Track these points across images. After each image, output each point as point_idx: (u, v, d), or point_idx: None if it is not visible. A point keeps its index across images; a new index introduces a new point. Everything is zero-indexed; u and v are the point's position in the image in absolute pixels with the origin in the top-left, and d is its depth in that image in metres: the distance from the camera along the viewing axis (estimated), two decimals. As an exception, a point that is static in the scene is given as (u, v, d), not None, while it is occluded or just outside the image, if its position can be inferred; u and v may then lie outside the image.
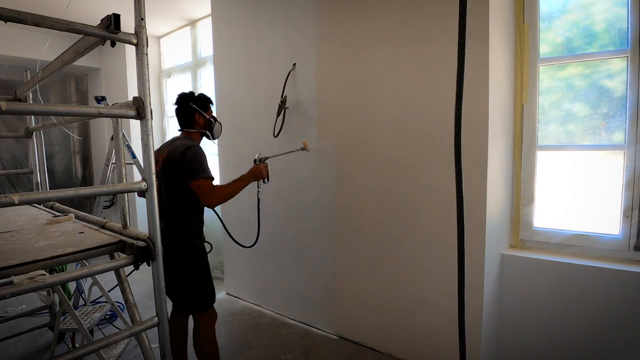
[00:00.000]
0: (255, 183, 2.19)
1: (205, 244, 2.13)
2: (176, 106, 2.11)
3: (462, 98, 1.10)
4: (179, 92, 2.14)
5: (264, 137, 2.96)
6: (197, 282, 2.03)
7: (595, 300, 1.94)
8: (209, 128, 2.12)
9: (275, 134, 2.80)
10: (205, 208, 2.08)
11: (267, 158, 2.23)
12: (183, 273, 1.99)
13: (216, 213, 2.46)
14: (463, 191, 1.15)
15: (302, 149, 2.41)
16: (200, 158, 1.94)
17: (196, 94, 2.13)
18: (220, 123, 2.17)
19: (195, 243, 2.03)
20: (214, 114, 2.20)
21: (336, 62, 2.52)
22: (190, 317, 2.12)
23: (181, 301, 2.07)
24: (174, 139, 2.07)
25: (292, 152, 2.44)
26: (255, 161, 2.21)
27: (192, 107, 2.07)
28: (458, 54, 1.06)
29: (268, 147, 2.87)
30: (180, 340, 2.15)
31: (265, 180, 2.20)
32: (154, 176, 1.38)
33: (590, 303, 1.95)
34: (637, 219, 1.91)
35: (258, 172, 2.15)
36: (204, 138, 2.15)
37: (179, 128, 2.13)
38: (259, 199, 2.34)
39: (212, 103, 2.17)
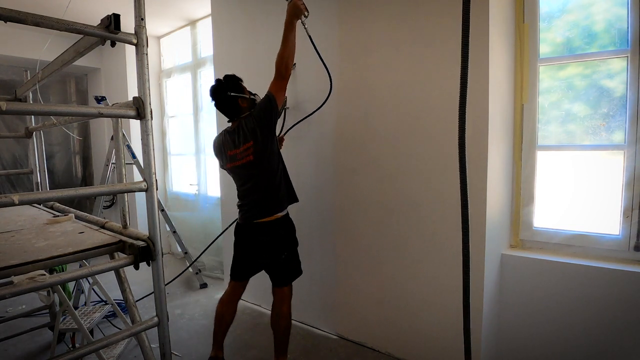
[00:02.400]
0: (299, 26, 2.06)
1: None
2: (215, 101, 2.09)
3: (466, 98, 1.10)
4: (211, 87, 2.10)
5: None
6: (295, 251, 2.17)
7: (595, 300, 1.94)
8: (254, 104, 2.10)
9: (278, 135, 2.79)
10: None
11: None
12: (285, 242, 2.09)
13: None
14: (467, 192, 1.15)
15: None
16: (256, 106, 2.02)
17: (224, 81, 2.08)
18: (257, 94, 2.16)
19: (288, 213, 2.14)
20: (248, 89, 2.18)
21: (336, 62, 2.52)
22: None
23: (282, 272, 2.13)
24: (234, 130, 2.07)
25: None
26: None
27: (232, 96, 2.04)
28: (462, 54, 1.06)
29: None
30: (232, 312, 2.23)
31: (306, 13, 2.05)
32: (154, 176, 1.38)
33: (590, 303, 1.95)
34: (637, 219, 1.91)
35: (295, 9, 1.99)
36: None
37: (229, 120, 2.13)
38: (310, 37, 2.16)
39: (242, 80, 2.14)
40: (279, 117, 2.04)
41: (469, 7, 1.02)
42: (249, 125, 2.00)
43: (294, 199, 2.21)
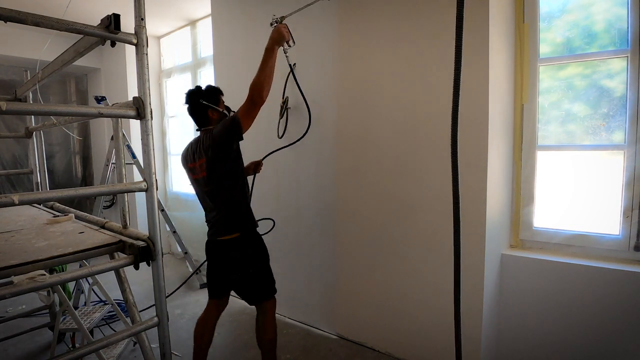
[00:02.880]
0: (281, 53, 1.97)
1: (270, 219, 2.12)
2: (187, 105, 2.05)
3: (459, 104, 1.10)
4: (188, 91, 2.06)
5: (267, 138, 2.95)
6: (266, 267, 2.05)
7: (595, 300, 1.94)
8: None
9: (280, 135, 2.80)
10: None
11: (284, 17, 1.93)
12: (251, 259, 2.00)
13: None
14: (459, 189, 1.15)
15: None
16: (220, 123, 1.94)
17: (204, 88, 2.05)
18: (234, 112, 2.06)
19: (253, 222, 2.05)
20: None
21: (336, 62, 2.52)
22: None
23: (253, 290, 2.03)
24: (196, 141, 2.04)
25: (312, 3, 2.05)
26: (272, 24, 1.94)
27: (203, 104, 2.00)
28: (455, 56, 1.07)
29: (272, 147, 2.87)
30: (210, 332, 2.11)
31: (290, 42, 1.96)
32: (154, 176, 1.38)
33: (590, 303, 1.95)
34: (637, 219, 1.91)
35: (279, 35, 1.92)
36: None
37: (196, 128, 2.10)
38: (290, 64, 2.06)
39: (222, 93, 2.09)
40: (240, 140, 1.92)
41: (463, 8, 1.02)
42: (206, 142, 1.94)
43: (252, 222, 2.07)
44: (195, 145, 2.03)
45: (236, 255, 1.98)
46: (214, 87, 2.09)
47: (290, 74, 2.73)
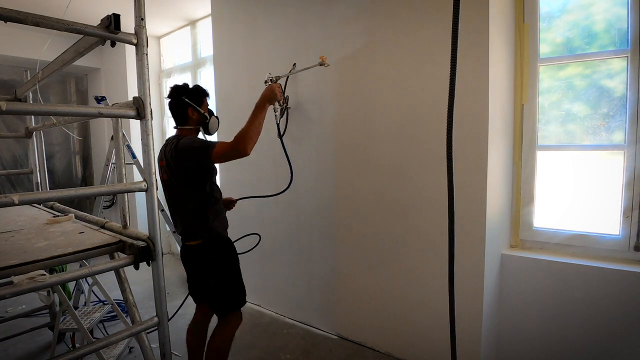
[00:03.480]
0: (271, 111, 1.94)
1: (255, 235, 2.01)
2: (169, 100, 1.97)
3: (454, 106, 1.10)
4: (172, 85, 2.00)
5: (267, 138, 2.95)
6: (231, 277, 1.93)
7: (595, 300, 1.94)
8: (203, 124, 1.97)
9: (280, 135, 2.80)
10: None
11: (279, 77, 1.93)
12: (213, 268, 1.89)
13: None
14: (454, 190, 1.15)
15: (321, 64, 2.07)
16: (195, 140, 1.82)
17: (191, 86, 1.99)
18: (217, 117, 2.02)
19: (219, 230, 1.91)
20: (211, 107, 2.05)
21: (336, 62, 2.52)
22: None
23: (215, 300, 1.94)
24: (168, 140, 1.95)
25: (309, 67, 2.07)
26: (266, 82, 1.93)
27: (184, 102, 1.91)
28: (451, 56, 1.07)
29: (272, 148, 2.87)
30: (202, 341, 2.06)
31: (281, 102, 1.94)
32: (154, 176, 1.38)
33: (590, 303, 1.95)
34: (637, 219, 1.91)
35: (271, 94, 1.91)
36: (201, 134, 2.04)
37: (174, 125, 2.01)
38: (278, 125, 2.02)
39: (207, 95, 2.01)
40: (207, 167, 1.86)
41: (459, 9, 1.02)
42: (171, 150, 1.84)
43: (217, 229, 1.94)
44: (165, 146, 1.94)
45: (199, 262, 1.92)
46: (200, 87, 2.01)
47: (289, 76, 2.73)
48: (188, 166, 1.83)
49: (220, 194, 2.02)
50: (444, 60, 2.07)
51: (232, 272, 1.96)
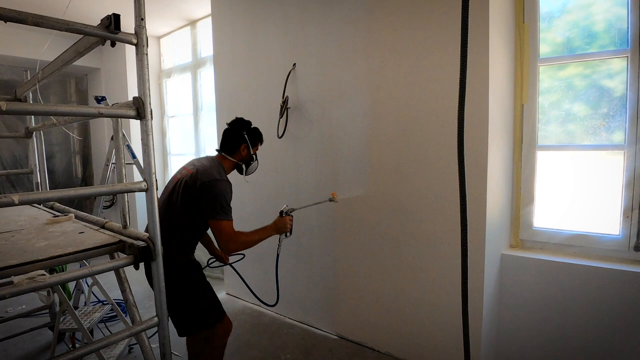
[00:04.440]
0: (276, 236, 2.05)
1: (239, 254, 2.01)
2: (227, 127, 2.04)
3: (465, 100, 1.10)
4: (237, 117, 2.09)
5: (267, 138, 2.94)
6: (185, 306, 1.83)
7: (595, 300, 1.94)
8: (247, 163, 2.04)
9: (280, 135, 2.80)
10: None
11: (293, 210, 2.07)
12: (172, 289, 1.68)
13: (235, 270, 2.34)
14: (466, 192, 1.15)
15: (331, 200, 2.26)
16: (226, 196, 1.82)
17: (249, 124, 2.07)
18: (258, 162, 2.11)
19: (174, 255, 1.81)
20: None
21: (337, 62, 2.52)
22: None
23: (174, 320, 1.87)
24: (206, 159, 1.98)
25: (320, 203, 2.26)
26: (281, 213, 2.05)
27: (243, 136, 1.99)
28: (460, 56, 1.06)
29: (272, 148, 2.87)
30: None
31: (288, 234, 2.07)
32: (154, 176, 1.38)
33: (590, 303, 1.95)
34: (637, 219, 1.91)
35: (282, 225, 2.02)
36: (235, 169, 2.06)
37: (217, 148, 2.06)
38: (278, 255, 2.16)
39: (262, 142, 2.13)
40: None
41: (468, 7, 1.02)
42: (191, 181, 1.82)
43: (183, 253, 1.91)
44: (198, 165, 1.92)
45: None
46: (259, 131, 2.10)
47: (291, 73, 2.73)
48: (198, 202, 1.81)
49: (203, 232, 1.98)
50: (444, 60, 2.07)
51: (190, 298, 1.86)
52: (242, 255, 2.27)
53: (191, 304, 1.87)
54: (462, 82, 1.06)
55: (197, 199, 1.81)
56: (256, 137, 2.07)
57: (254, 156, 2.05)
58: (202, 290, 1.92)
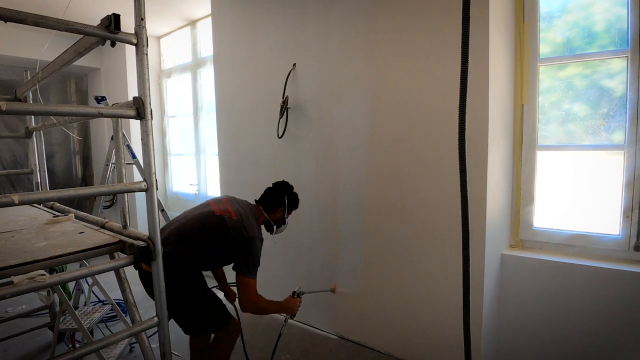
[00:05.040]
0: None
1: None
2: (272, 187, 2.14)
3: (466, 100, 1.10)
4: (284, 181, 2.18)
5: (267, 138, 2.96)
6: (179, 310, 1.85)
7: (595, 300, 1.94)
8: (278, 225, 2.14)
9: (280, 135, 2.80)
10: None
11: (303, 293, 2.17)
12: (170, 289, 1.65)
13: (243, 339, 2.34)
14: (467, 191, 1.15)
15: (331, 291, 2.39)
16: (260, 256, 1.92)
17: (293, 191, 2.16)
18: (286, 225, 2.19)
19: (186, 265, 1.86)
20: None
21: (337, 62, 2.52)
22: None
23: (178, 323, 1.92)
24: (247, 207, 2.04)
25: (322, 291, 2.41)
26: (294, 294, 2.13)
27: (284, 201, 2.09)
28: (462, 54, 1.06)
29: (272, 148, 2.87)
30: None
31: (293, 317, 2.15)
32: (154, 176, 1.38)
33: (590, 303, 1.95)
34: (637, 219, 1.91)
35: (293, 307, 2.09)
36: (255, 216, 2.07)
37: (257, 200, 2.13)
38: (280, 335, 2.20)
39: (297, 208, 2.22)
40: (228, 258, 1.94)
41: (469, 7, 1.02)
42: (234, 227, 1.87)
43: (184, 269, 1.88)
44: (232, 204, 1.99)
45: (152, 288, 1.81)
46: (298, 200, 2.19)
47: (291, 74, 2.73)
48: (233, 250, 1.87)
49: (220, 267, 2.17)
50: (444, 60, 2.07)
51: (187, 301, 1.88)
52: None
53: (200, 306, 1.90)
54: (462, 83, 1.06)
55: (233, 248, 1.86)
56: (294, 203, 2.17)
57: (285, 220, 2.15)
58: (206, 294, 1.94)
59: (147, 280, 1.92)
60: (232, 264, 1.91)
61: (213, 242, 1.87)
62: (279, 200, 2.10)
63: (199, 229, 1.88)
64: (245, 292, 1.86)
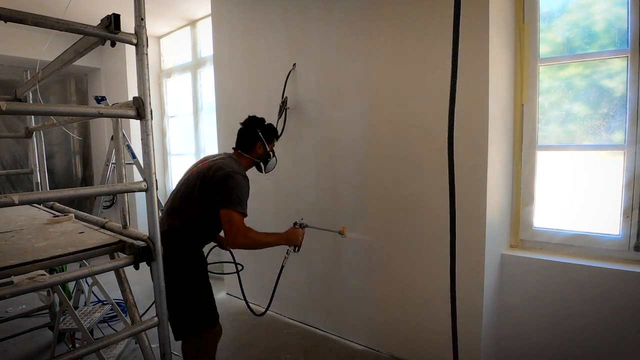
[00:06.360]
0: (284, 247, 2.02)
1: (238, 265, 2.01)
2: (242, 126, 2.04)
3: (455, 104, 1.10)
4: (251, 115, 2.07)
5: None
6: (181, 302, 1.77)
7: (595, 300, 1.94)
8: (265, 160, 2.04)
9: (278, 135, 2.79)
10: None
11: (307, 226, 2.07)
12: (171, 287, 1.65)
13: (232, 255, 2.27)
14: (455, 191, 1.15)
15: (340, 233, 2.23)
16: (243, 190, 1.79)
17: (263, 121, 2.05)
18: (276, 159, 2.08)
19: (184, 251, 1.80)
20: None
21: (336, 62, 2.52)
22: None
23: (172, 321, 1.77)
24: (224, 155, 1.96)
25: (330, 230, 2.26)
26: (295, 224, 2.05)
27: (257, 134, 1.98)
28: (452, 55, 1.07)
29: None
30: None
31: (297, 249, 2.05)
32: (154, 176, 1.38)
33: (590, 303, 1.95)
34: (637, 219, 1.91)
35: (294, 237, 2.01)
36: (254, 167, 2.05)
37: (234, 147, 2.04)
38: (282, 267, 2.12)
39: (277, 138, 2.12)
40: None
41: (460, 8, 1.02)
42: (210, 173, 1.78)
43: (185, 251, 1.84)
44: (217, 159, 1.91)
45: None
46: (274, 128, 2.10)
47: (291, 74, 2.73)
48: (215, 197, 1.76)
49: (217, 230, 1.94)
50: (444, 60, 2.07)
51: (186, 297, 1.81)
52: (241, 267, 2.25)
53: (193, 302, 1.83)
54: (452, 86, 1.06)
55: (214, 191, 1.76)
56: (271, 133, 2.05)
57: (271, 153, 2.04)
58: (205, 288, 1.88)
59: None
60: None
61: (199, 201, 1.79)
62: (253, 135, 1.98)
63: (184, 197, 1.83)
64: (231, 225, 1.72)
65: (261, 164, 2.04)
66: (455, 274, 1.20)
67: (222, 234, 1.93)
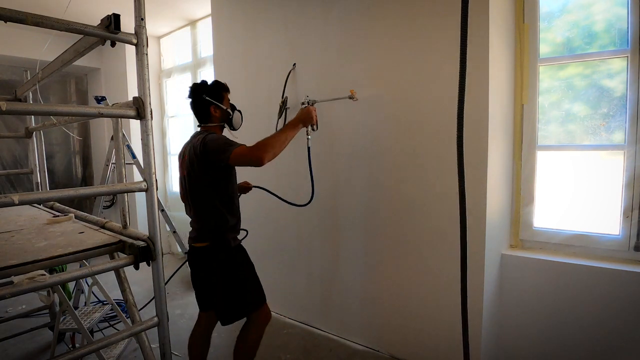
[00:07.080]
0: (303, 132, 1.92)
1: (241, 231, 2.00)
2: (190, 100, 1.95)
3: (464, 99, 1.10)
4: (192, 85, 1.96)
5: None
6: (236, 286, 1.84)
7: (595, 300, 1.94)
8: (227, 120, 1.96)
9: (227, 87, 2.77)
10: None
11: (315, 102, 1.94)
12: (217, 274, 1.83)
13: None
14: (465, 191, 1.15)
15: (350, 97, 2.08)
16: (220, 138, 1.78)
17: (209, 83, 1.95)
18: (239, 111, 1.99)
19: (228, 239, 1.86)
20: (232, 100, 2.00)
21: (337, 61, 2.52)
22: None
23: (220, 308, 1.87)
24: (192, 137, 1.93)
25: (340, 98, 2.09)
26: (303, 104, 1.92)
27: (205, 100, 1.89)
28: (460, 54, 1.07)
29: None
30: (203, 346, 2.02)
31: (315, 127, 1.94)
32: (154, 176, 1.38)
33: (590, 303, 1.95)
34: (637, 219, 1.91)
35: (307, 116, 1.90)
36: (226, 130, 2.02)
37: (198, 124, 1.99)
38: (309, 148, 2.01)
39: (227, 90, 1.99)
40: (225, 167, 1.80)
41: (467, 8, 1.02)
42: (199, 146, 1.79)
43: (227, 234, 1.87)
44: (190, 142, 1.92)
45: (205, 266, 1.88)
46: (219, 83, 1.98)
47: (291, 74, 2.73)
48: (213, 166, 1.78)
49: (238, 197, 1.98)
50: (445, 60, 2.07)
51: (240, 280, 1.88)
52: (246, 233, 2.19)
53: (243, 289, 1.87)
54: (461, 84, 1.06)
55: (208, 160, 1.76)
56: (218, 91, 1.94)
57: (229, 110, 1.95)
58: (251, 273, 1.94)
59: (196, 258, 1.92)
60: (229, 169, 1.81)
61: (203, 184, 1.82)
62: (202, 102, 1.91)
63: (196, 191, 1.85)
64: (246, 158, 1.70)
65: (225, 125, 1.98)
66: (466, 270, 1.20)
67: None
